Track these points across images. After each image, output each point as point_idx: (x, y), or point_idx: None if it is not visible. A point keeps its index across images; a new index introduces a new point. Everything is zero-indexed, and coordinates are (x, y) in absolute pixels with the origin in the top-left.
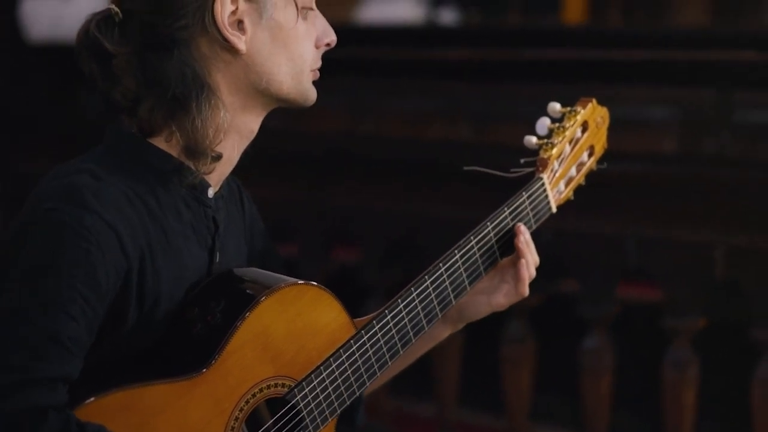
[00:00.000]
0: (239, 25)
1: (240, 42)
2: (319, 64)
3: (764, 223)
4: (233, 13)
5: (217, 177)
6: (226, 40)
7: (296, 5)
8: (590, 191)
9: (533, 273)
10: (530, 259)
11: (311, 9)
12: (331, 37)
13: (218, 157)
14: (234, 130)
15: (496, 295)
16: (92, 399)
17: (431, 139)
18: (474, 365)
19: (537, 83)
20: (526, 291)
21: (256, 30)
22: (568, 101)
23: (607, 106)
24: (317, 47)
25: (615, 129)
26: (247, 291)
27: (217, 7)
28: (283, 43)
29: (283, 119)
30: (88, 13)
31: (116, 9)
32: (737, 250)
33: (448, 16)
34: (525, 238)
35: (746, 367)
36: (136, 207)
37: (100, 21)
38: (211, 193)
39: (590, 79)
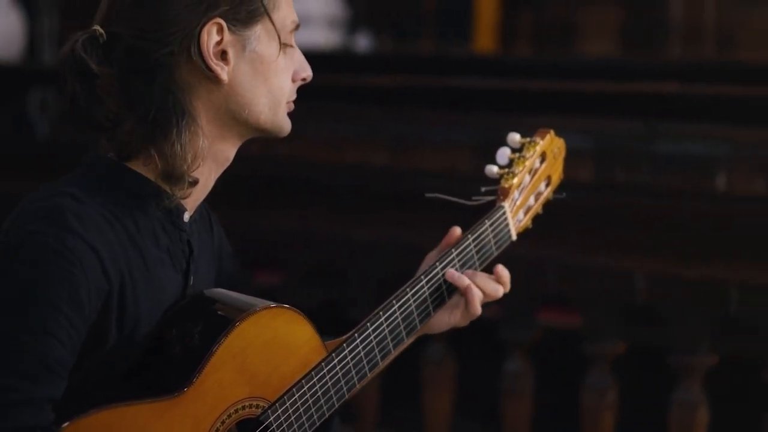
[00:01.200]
0: (223, 55)
1: (223, 72)
2: (294, 96)
3: (683, 250)
4: (218, 43)
5: (192, 202)
6: (209, 69)
7: (279, 40)
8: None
9: (480, 295)
10: (474, 293)
11: (291, 46)
12: (308, 72)
13: (195, 183)
14: (211, 158)
15: (455, 313)
16: (75, 419)
17: (348, 163)
18: (393, 387)
19: (451, 110)
20: (478, 311)
21: (239, 61)
22: (484, 128)
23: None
24: (294, 81)
25: None
26: (225, 313)
27: (204, 36)
28: (263, 76)
29: None
30: None
31: (101, 30)
32: (656, 277)
33: (362, 43)
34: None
35: (664, 392)
36: (116, 230)
37: (85, 41)
38: (186, 217)
39: (505, 107)
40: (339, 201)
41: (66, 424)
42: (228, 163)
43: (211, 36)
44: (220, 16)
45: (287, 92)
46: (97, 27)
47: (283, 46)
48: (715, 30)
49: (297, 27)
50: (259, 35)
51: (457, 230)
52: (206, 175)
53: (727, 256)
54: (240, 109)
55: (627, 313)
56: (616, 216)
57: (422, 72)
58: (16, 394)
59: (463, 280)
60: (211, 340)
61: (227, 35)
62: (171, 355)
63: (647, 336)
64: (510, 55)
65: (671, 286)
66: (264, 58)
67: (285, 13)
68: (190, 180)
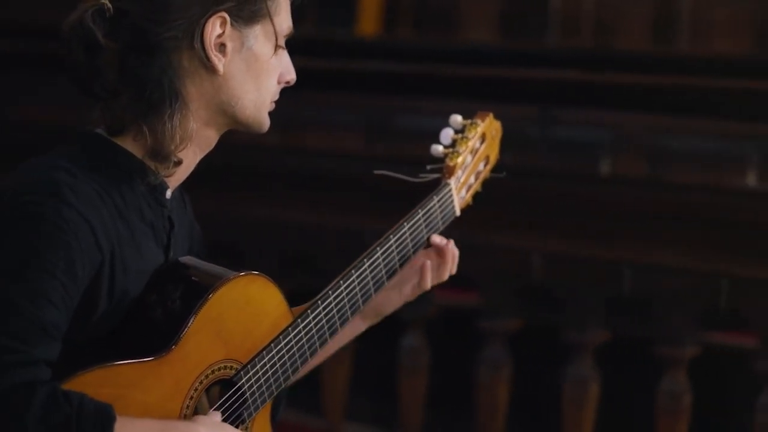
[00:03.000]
0: (222, 48)
1: (219, 64)
2: (277, 97)
3: (578, 230)
4: (219, 36)
5: (174, 181)
6: (208, 59)
7: (275, 42)
8: (410, 198)
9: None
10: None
11: (282, 48)
12: (292, 76)
13: (179, 163)
14: (196, 141)
15: (405, 288)
16: (67, 378)
17: (239, 143)
18: None
19: (339, 92)
20: (428, 285)
21: (235, 56)
22: (372, 110)
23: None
24: (279, 83)
25: (419, 139)
26: (203, 279)
27: (208, 27)
28: (255, 73)
29: None
30: None
31: (108, 4)
32: (553, 257)
33: None
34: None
35: (557, 367)
36: (106, 204)
37: (94, 13)
38: (168, 194)
39: (392, 90)
40: (231, 180)
41: (65, 379)
42: (210, 149)
43: (214, 28)
44: (226, 11)
45: (273, 92)
46: (105, 1)
47: (278, 48)
48: (593, 19)
49: (291, 33)
50: (258, 35)
51: None
52: (190, 157)
53: (620, 236)
54: (228, 101)
55: (523, 291)
56: (514, 197)
57: (305, 54)
58: (13, 355)
59: (443, 240)
60: (191, 305)
61: (229, 30)
62: (153, 319)
63: (543, 313)
64: (392, 39)
65: (566, 265)
66: (258, 57)
67: (283, 18)
68: (176, 160)
